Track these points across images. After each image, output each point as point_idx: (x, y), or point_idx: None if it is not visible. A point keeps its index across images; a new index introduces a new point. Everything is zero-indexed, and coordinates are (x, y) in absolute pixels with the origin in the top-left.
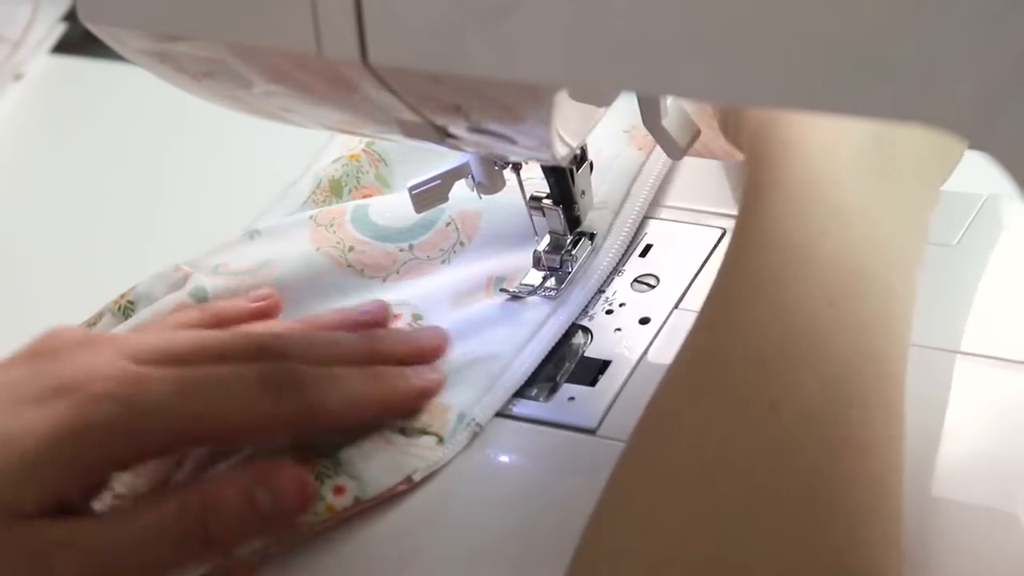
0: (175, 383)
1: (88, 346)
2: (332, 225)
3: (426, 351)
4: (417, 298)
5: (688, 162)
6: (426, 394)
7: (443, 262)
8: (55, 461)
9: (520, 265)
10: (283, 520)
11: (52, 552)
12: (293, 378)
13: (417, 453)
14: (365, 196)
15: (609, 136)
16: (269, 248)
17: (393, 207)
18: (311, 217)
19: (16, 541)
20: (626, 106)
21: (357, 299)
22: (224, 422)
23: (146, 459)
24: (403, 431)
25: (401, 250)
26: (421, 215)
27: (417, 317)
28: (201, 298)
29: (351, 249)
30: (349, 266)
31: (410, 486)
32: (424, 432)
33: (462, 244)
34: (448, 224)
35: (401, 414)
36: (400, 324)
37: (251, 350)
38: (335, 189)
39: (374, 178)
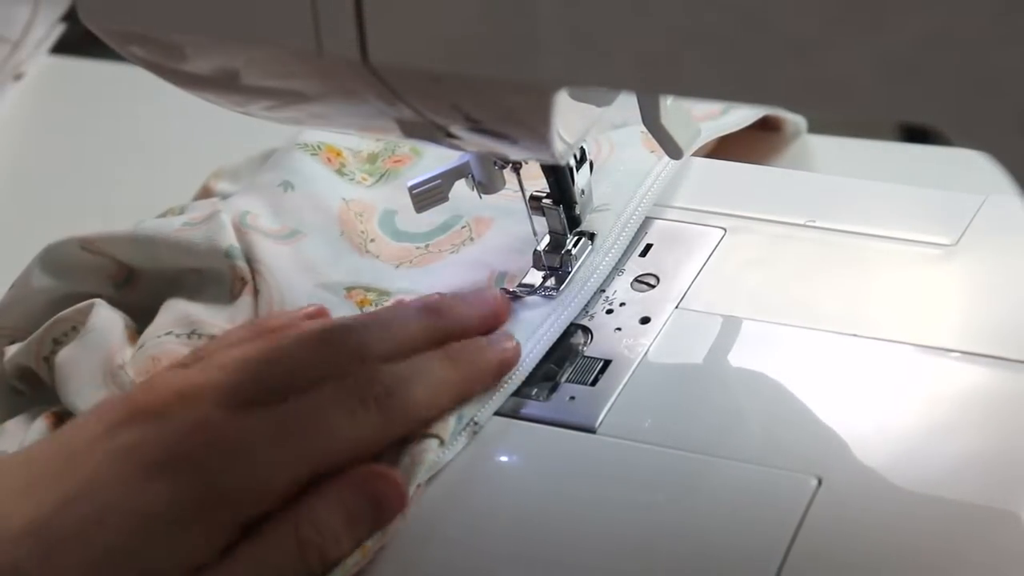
0: (276, 428)
1: (186, 400)
2: (362, 215)
3: (491, 317)
4: (423, 286)
5: (689, 161)
6: (505, 366)
7: (452, 253)
8: (186, 532)
9: (524, 267)
10: (386, 523)
11: None
12: (385, 385)
13: (421, 459)
14: (396, 163)
15: (626, 134)
16: (299, 215)
17: (420, 217)
18: (344, 200)
19: None
20: None
21: (370, 280)
22: (332, 453)
23: (271, 506)
24: (407, 437)
25: (417, 248)
26: (442, 221)
27: None
28: (236, 257)
29: (372, 241)
30: (367, 252)
31: (417, 492)
32: (426, 435)
33: (471, 240)
34: (463, 227)
35: (484, 390)
36: None
37: (335, 359)
38: (371, 159)
39: (408, 149)
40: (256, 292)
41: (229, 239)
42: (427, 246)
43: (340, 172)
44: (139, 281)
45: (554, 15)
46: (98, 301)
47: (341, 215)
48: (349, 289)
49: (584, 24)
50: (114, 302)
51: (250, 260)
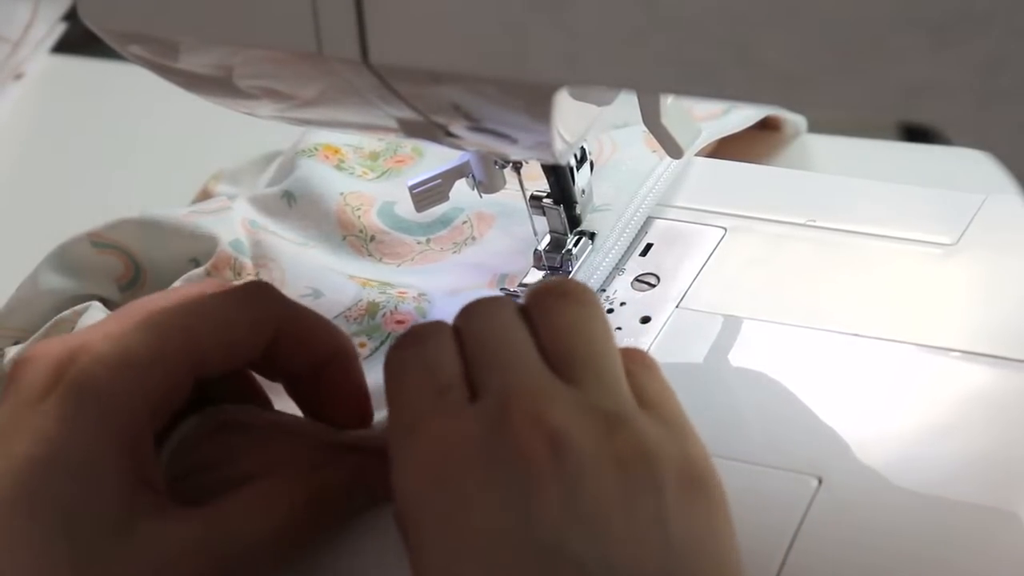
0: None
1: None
2: (359, 209)
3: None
4: (423, 285)
5: (689, 161)
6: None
7: (454, 252)
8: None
9: (524, 268)
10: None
11: (182, 559)
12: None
13: None
14: (398, 163)
15: (628, 134)
16: (304, 232)
17: None
18: (341, 194)
19: (144, 547)
20: None
21: (372, 275)
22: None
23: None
24: None
25: (418, 242)
26: (442, 212)
27: (422, 295)
28: (240, 250)
29: (372, 239)
30: (369, 255)
31: None
32: None
33: (474, 239)
34: (465, 222)
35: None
36: (406, 298)
37: None
38: (372, 156)
39: (410, 150)
40: None
41: (235, 233)
42: (428, 240)
43: (339, 167)
44: (144, 284)
45: (555, 14)
46: (94, 304)
47: (339, 216)
48: (352, 276)
49: (585, 22)
50: (116, 306)
51: (258, 257)
